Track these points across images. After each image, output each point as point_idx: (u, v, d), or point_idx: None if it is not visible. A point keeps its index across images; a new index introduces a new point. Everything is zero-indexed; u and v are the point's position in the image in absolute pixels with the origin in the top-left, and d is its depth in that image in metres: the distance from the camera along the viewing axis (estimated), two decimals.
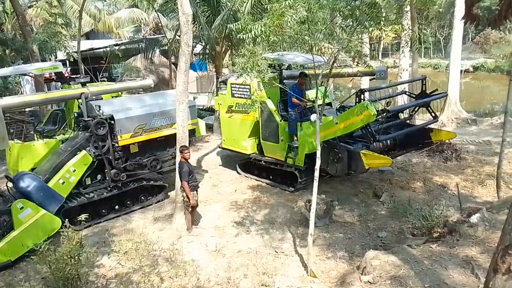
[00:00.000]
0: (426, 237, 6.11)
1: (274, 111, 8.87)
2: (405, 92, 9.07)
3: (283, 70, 9.86)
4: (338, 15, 6.01)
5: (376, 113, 6.89)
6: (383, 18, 6.06)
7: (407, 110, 8.93)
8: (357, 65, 8.07)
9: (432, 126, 8.76)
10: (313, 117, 7.96)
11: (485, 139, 11.67)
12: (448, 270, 4.84)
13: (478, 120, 14.61)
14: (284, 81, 9.73)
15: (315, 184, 5.89)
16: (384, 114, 7.22)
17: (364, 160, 7.25)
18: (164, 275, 5.96)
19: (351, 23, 5.80)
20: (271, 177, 9.56)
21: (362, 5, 5.68)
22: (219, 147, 10.94)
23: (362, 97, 7.44)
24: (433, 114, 8.52)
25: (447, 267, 4.92)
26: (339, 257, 6.23)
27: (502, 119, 12.16)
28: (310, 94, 8.86)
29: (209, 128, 14.18)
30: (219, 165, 11.18)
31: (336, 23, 6.56)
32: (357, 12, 5.62)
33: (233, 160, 10.98)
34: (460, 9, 14.37)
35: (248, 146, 9.63)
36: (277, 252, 6.55)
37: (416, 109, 8.73)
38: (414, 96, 8.67)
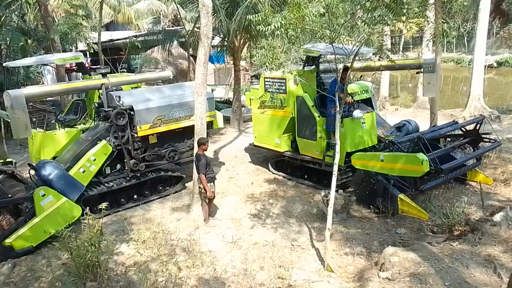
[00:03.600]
0: (447, 234, 6.01)
1: (312, 106, 8.35)
2: (456, 123, 8.51)
3: (320, 64, 9.40)
4: (360, 9, 5.87)
5: (429, 169, 6.51)
6: (406, 11, 5.90)
7: (446, 139, 8.50)
8: (379, 60, 7.84)
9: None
10: (357, 113, 7.70)
11: (509, 136, 11.35)
12: (470, 269, 4.75)
13: (501, 117, 14.22)
14: (321, 75, 9.34)
15: (334, 178, 5.84)
16: (437, 172, 6.78)
17: (400, 205, 6.84)
18: (182, 264, 6.02)
19: (373, 16, 5.65)
20: (305, 176, 9.08)
21: None
22: (251, 145, 10.42)
23: (419, 144, 7.00)
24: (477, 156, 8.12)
25: (469, 265, 4.83)
26: (356, 252, 6.17)
27: None
28: (350, 89, 8.35)
29: (227, 120, 14.19)
30: (236, 157, 11.20)
31: (358, 16, 6.42)
32: (379, 6, 5.48)
33: (251, 152, 10.98)
34: (485, 2, 13.92)
35: (281, 144, 9.11)
36: (293, 245, 6.53)
37: (462, 146, 8.27)
38: (464, 131, 8.35)
